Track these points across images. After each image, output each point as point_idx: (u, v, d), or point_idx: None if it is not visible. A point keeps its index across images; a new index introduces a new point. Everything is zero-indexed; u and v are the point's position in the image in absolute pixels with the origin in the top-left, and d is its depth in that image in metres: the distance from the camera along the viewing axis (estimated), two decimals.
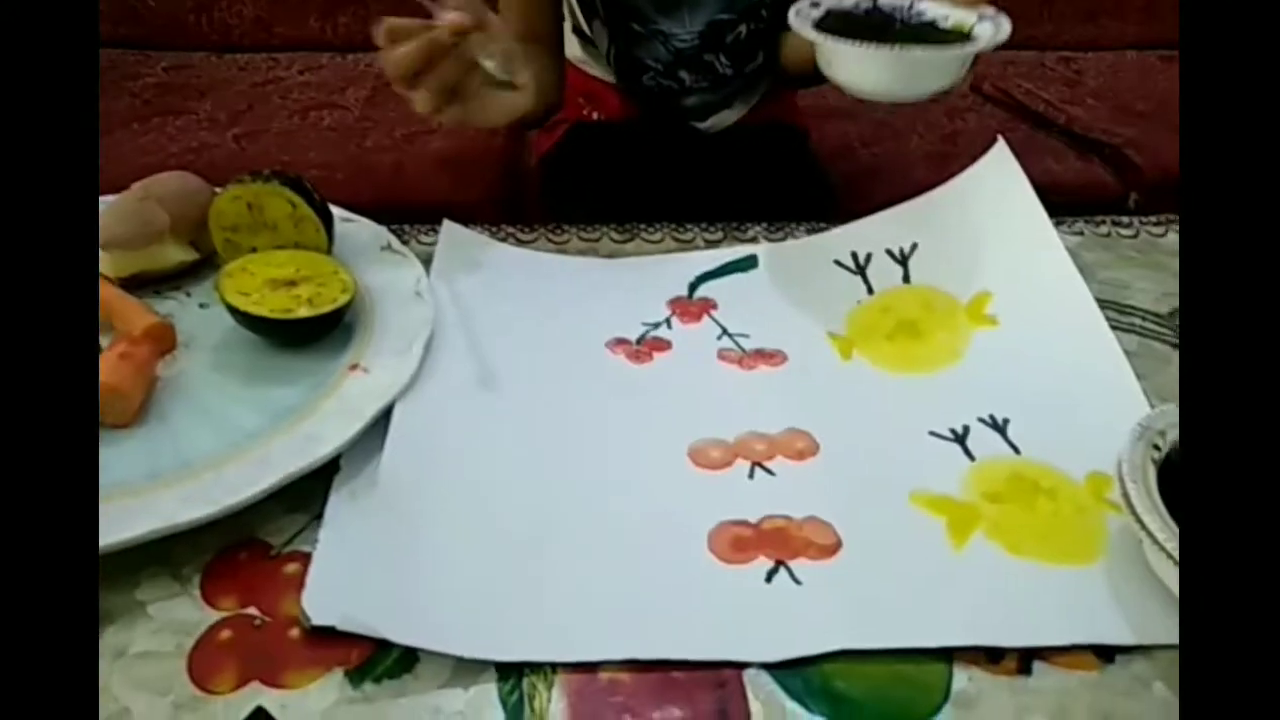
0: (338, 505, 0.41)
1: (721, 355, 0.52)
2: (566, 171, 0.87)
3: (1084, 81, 1.40)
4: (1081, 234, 0.64)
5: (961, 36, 0.51)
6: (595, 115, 0.86)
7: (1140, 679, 0.35)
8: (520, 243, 0.62)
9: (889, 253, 0.58)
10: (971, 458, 0.45)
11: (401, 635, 0.35)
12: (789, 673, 0.35)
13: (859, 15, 0.54)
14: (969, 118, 1.28)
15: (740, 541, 0.41)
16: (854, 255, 0.58)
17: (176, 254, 0.54)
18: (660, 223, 0.64)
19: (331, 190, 0.56)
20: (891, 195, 0.59)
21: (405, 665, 0.35)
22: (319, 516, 0.41)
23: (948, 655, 0.36)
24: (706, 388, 0.50)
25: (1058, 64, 1.45)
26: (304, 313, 0.47)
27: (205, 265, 0.55)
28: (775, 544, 0.40)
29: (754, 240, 0.62)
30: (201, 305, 0.53)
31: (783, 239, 0.62)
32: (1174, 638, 0.36)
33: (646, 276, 0.58)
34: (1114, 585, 0.38)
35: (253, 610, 0.37)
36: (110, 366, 0.44)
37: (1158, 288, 0.58)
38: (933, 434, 0.47)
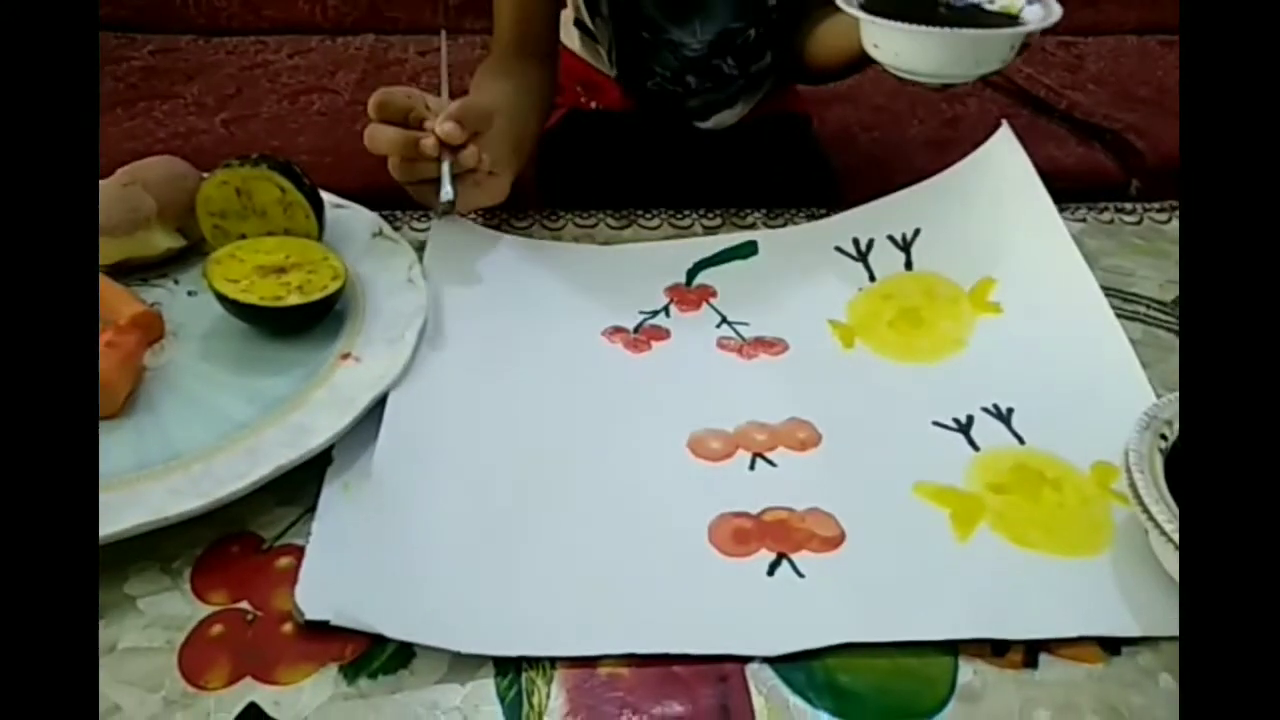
0: (330, 498, 0.40)
1: (721, 344, 0.51)
2: (563, 156, 0.86)
3: (1085, 66, 1.39)
4: (1084, 221, 0.63)
5: (1009, 19, 0.51)
6: (593, 104, 0.84)
7: (1147, 671, 0.35)
8: (515, 229, 0.61)
9: (891, 239, 0.57)
10: (976, 448, 0.45)
11: (397, 630, 0.35)
12: (792, 666, 0.35)
13: None
14: (969, 103, 1.27)
15: (741, 534, 0.40)
16: (855, 241, 0.57)
17: (164, 240, 0.53)
18: (658, 209, 0.63)
19: (322, 175, 0.55)
20: (892, 181, 0.58)
21: (401, 660, 0.35)
22: (311, 509, 0.40)
23: (953, 648, 0.36)
24: (706, 377, 0.49)
25: (1058, 49, 1.44)
26: (294, 300, 0.47)
27: (193, 252, 0.54)
28: (777, 536, 0.40)
29: (753, 227, 0.61)
30: (189, 293, 0.52)
31: (782, 225, 0.61)
32: None
33: (644, 264, 0.57)
34: (1120, 577, 0.38)
35: (245, 605, 0.37)
36: None
37: (1162, 275, 0.57)
38: (936, 424, 0.46)
